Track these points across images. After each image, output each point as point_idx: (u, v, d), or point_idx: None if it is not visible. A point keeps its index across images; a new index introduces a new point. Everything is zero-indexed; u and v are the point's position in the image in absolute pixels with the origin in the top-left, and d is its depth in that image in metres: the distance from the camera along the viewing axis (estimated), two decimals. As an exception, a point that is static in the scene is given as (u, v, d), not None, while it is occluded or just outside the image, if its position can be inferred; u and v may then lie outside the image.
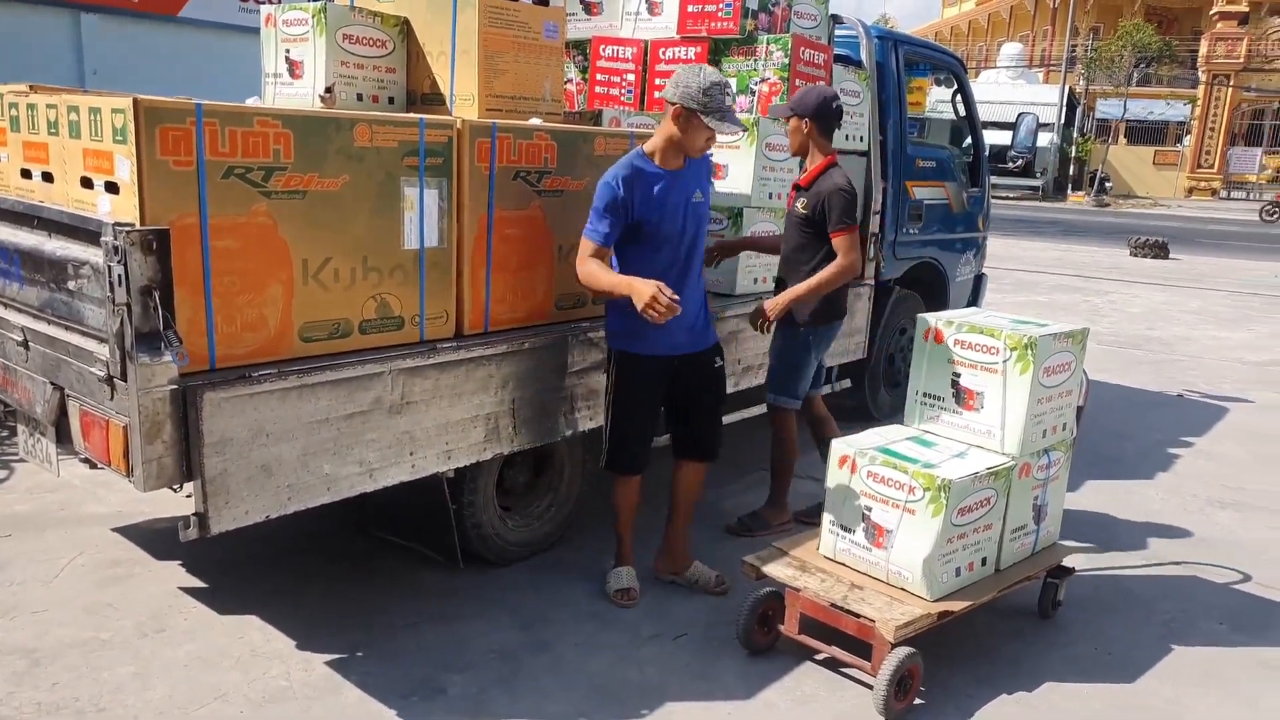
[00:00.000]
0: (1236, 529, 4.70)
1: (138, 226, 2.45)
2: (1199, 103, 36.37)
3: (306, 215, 2.79)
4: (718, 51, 4.51)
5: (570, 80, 4.85)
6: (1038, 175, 31.93)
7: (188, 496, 2.70)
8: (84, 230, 2.64)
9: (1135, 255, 16.95)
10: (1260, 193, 36.29)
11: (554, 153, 3.41)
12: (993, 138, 7.47)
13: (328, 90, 3.68)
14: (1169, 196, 35.94)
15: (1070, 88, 34.90)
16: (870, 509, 3.24)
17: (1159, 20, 39.69)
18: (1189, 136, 37.46)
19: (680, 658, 3.30)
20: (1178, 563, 4.26)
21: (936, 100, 7.78)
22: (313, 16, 3.68)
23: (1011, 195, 31.20)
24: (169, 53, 8.27)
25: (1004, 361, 3.33)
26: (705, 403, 3.64)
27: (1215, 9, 36.77)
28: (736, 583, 3.63)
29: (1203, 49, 36.06)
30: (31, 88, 3.12)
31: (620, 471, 3.60)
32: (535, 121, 3.56)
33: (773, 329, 4.07)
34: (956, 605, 3.15)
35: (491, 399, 3.31)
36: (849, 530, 3.31)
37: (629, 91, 4.66)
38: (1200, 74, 36.35)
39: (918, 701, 3.07)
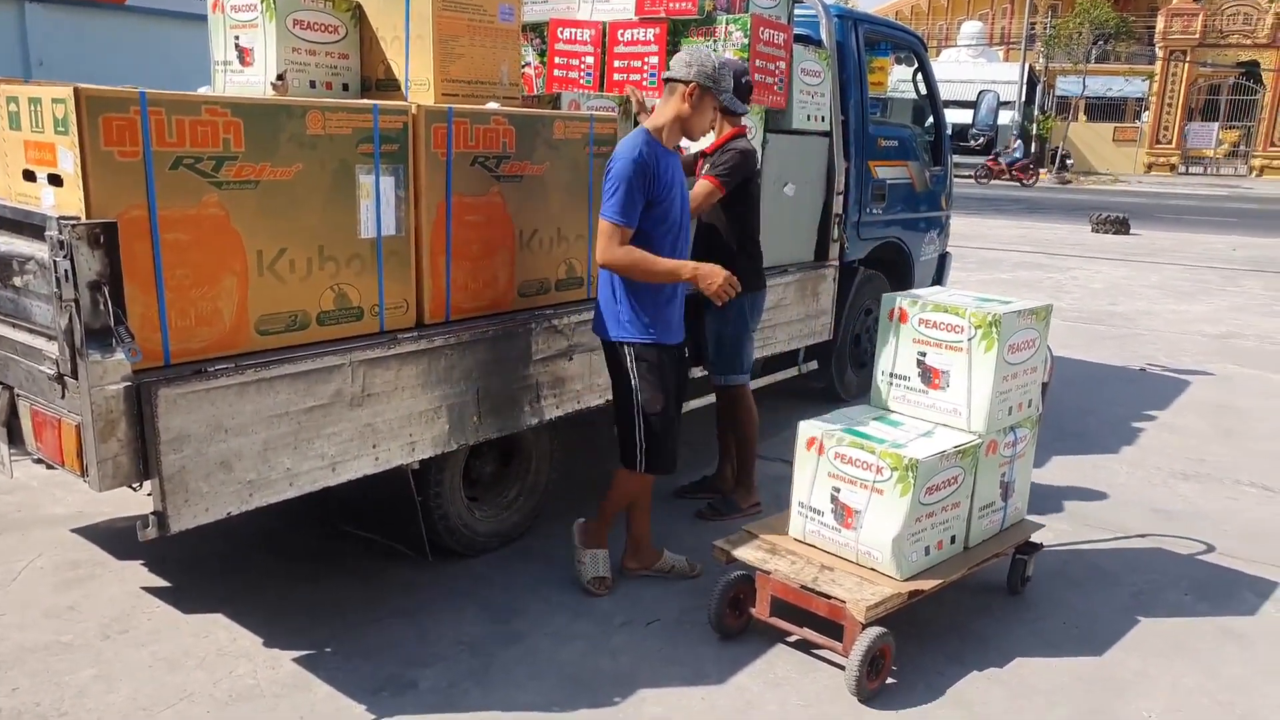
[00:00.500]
0: (1199, 500, 4.76)
1: (83, 220, 2.39)
2: (1156, 79, 36.74)
3: (260, 205, 2.73)
4: (676, 32, 4.46)
5: (528, 64, 4.79)
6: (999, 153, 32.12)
7: (148, 495, 2.64)
8: (28, 225, 2.56)
9: (1097, 231, 17.12)
10: (1218, 167, 36.84)
11: (512, 137, 3.36)
12: (954, 116, 7.49)
13: (279, 78, 3.60)
14: (1129, 172, 36.31)
15: (1030, 65, 35.12)
16: (839, 490, 3.24)
17: (1116, -3, 40.08)
18: (1147, 113, 37.82)
19: (652, 644, 3.28)
20: (1143, 535, 4.31)
21: (898, 79, 7.79)
22: (261, 2, 3.59)
23: (973, 173, 31.38)
24: (117, 42, 8.10)
25: (969, 340, 3.34)
26: (679, 394, 3.62)
27: (1171, -15, 37.17)
28: (707, 567, 3.62)
29: (1159, 25, 36.38)
30: (-30, 79, 3.03)
31: (666, 472, 3.49)
32: (493, 106, 3.51)
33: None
34: (926, 584, 3.16)
35: (455, 389, 3.27)
36: (818, 512, 3.31)
37: (588, 74, 4.61)
38: (1157, 50, 36.69)
39: (890, 681, 3.08)
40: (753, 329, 4.26)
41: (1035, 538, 3.72)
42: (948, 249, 7.02)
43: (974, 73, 31.09)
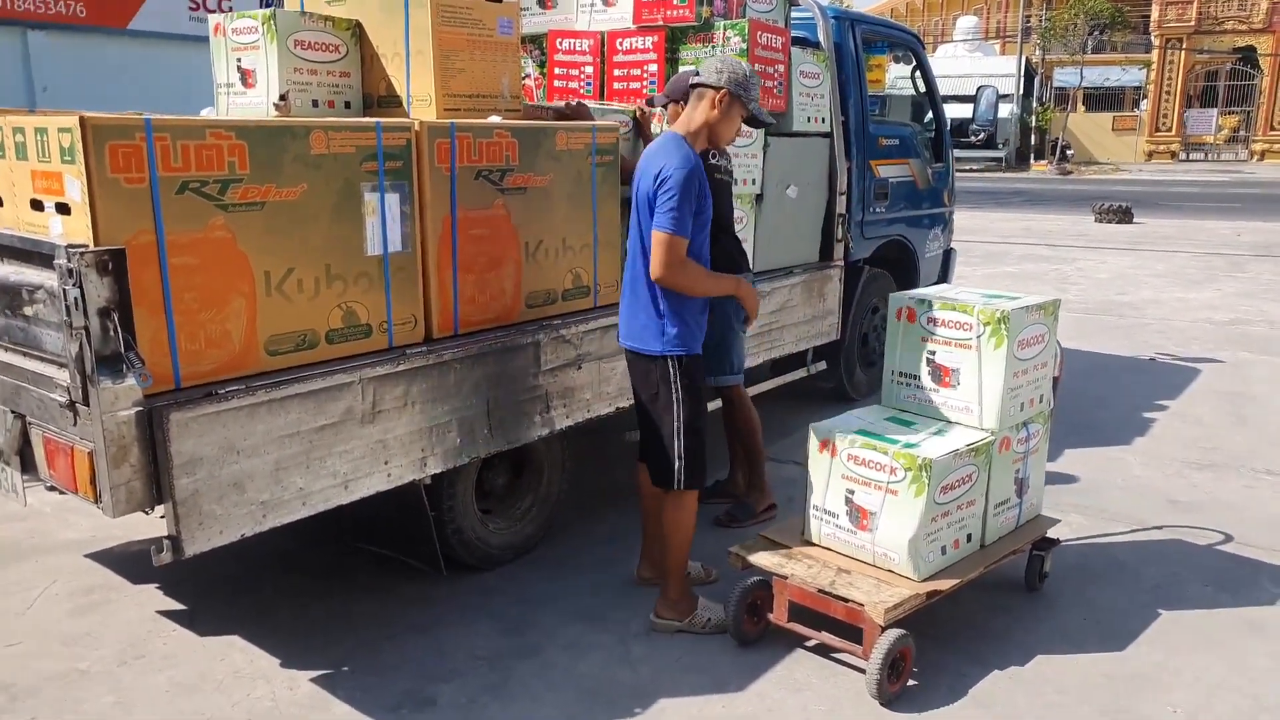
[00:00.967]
0: (1215, 489, 4.74)
1: (92, 247, 2.39)
2: (1153, 67, 36.70)
3: (266, 226, 2.73)
4: (675, 40, 4.46)
5: (528, 75, 4.79)
6: (1000, 147, 32.13)
7: (161, 518, 2.64)
8: (37, 254, 2.57)
9: (1100, 221, 17.08)
10: (1218, 153, 36.77)
11: (515, 150, 3.36)
12: (954, 112, 7.48)
13: (282, 98, 3.61)
14: (1130, 161, 36.27)
15: (1027, 58, 35.13)
16: (853, 492, 3.23)
17: (1109, -13, 40.07)
18: (1146, 101, 37.79)
19: (671, 653, 3.27)
20: (1160, 527, 4.28)
21: (896, 77, 7.78)
22: (262, 24, 3.60)
23: (975, 168, 31.39)
24: (120, 66, 8.12)
25: (978, 337, 3.33)
26: None
27: (1164, -27, 37.15)
28: (724, 573, 3.61)
29: (1154, 14, 36.34)
30: (-26, 110, 3.04)
31: (701, 487, 3.39)
32: (495, 119, 3.51)
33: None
34: (944, 584, 3.15)
35: (465, 402, 3.27)
36: (833, 514, 3.30)
37: (588, 84, 4.61)
38: (1153, 39, 36.66)
39: (911, 683, 3.07)
40: (739, 328, 4.18)
41: (1052, 533, 3.71)
42: (952, 244, 7.01)
43: (971, 67, 31.11)
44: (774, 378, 5.27)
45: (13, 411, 2.80)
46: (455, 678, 3.11)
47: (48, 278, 2.51)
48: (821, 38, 5.28)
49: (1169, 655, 3.28)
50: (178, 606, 3.56)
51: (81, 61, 7.95)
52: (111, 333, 2.40)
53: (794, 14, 5.25)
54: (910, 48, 6.59)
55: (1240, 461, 5.12)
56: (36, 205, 2.61)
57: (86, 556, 3.94)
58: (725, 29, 4.36)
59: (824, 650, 3.24)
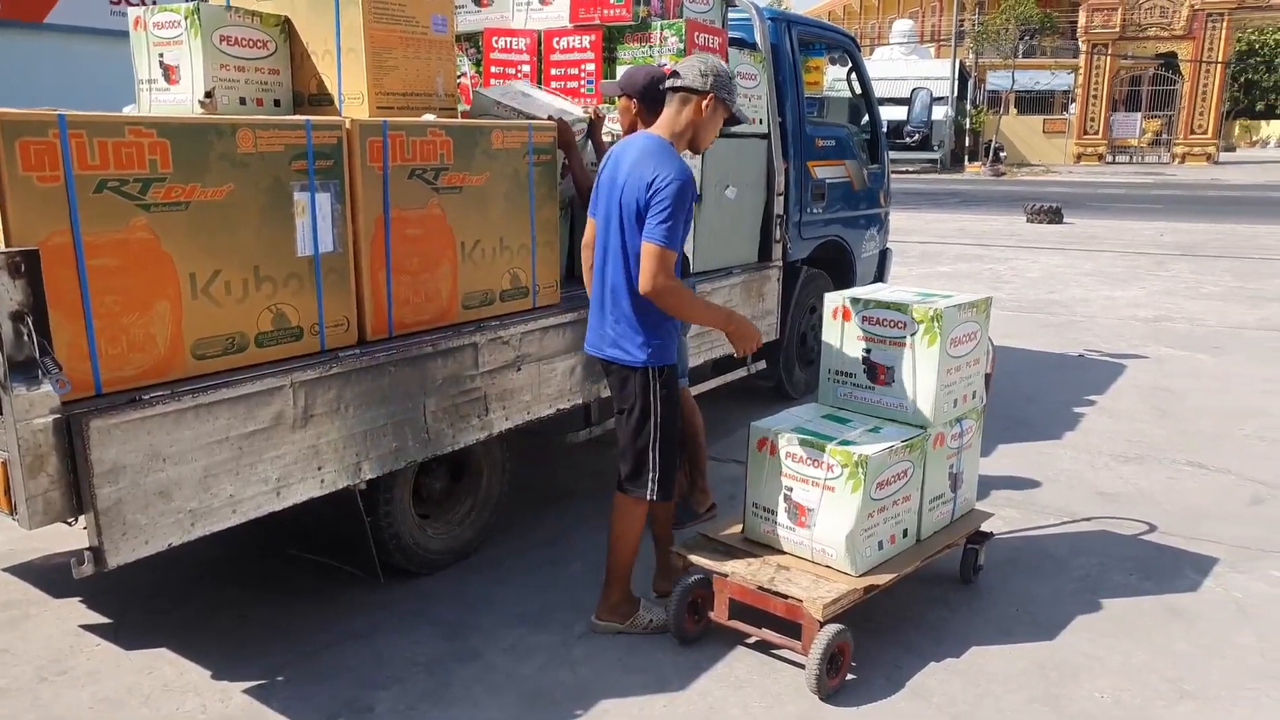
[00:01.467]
0: (1140, 481, 4.87)
1: (3, 249, 2.30)
2: (1081, 72, 37.70)
3: (191, 227, 2.66)
4: (612, 39, 4.45)
5: (464, 74, 4.74)
6: (935, 149, 32.72)
7: (84, 529, 2.55)
8: (-55, 256, 2.46)
9: (1032, 222, 17.48)
10: (1143, 156, 37.88)
11: (450, 148, 3.31)
12: (889, 113, 7.58)
13: (207, 95, 3.52)
14: (1060, 163, 37.20)
15: (961, 61, 35.83)
16: (791, 489, 3.25)
17: (1039, -7, 41.06)
18: (1074, 104, 38.82)
19: (613, 653, 3.26)
20: (1088, 519, 4.39)
21: (833, 79, 7.86)
22: (185, 18, 3.51)
23: (911, 169, 31.91)
24: (37, 61, 7.85)
25: (911, 335, 3.37)
26: None
27: (1090, -19, 38.15)
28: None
29: (1081, 20, 37.36)
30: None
31: (671, 499, 3.37)
32: (429, 117, 3.46)
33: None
34: (881, 579, 3.18)
35: (400, 406, 3.22)
36: (771, 512, 3.31)
37: (515, 82, 4.56)
38: (1080, 44, 37.66)
39: (850, 677, 3.10)
40: (683, 331, 4.19)
41: (985, 527, 3.77)
42: (888, 244, 7.10)
43: (907, 70, 31.63)
44: (715, 377, 5.29)
45: (-77, 420, 2.68)
46: (394, 684, 3.06)
47: (-42, 280, 2.41)
48: (758, 39, 5.31)
49: (1096, 643, 3.35)
50: (103, 620, 3.44)
51: (-6, 56, 7.69)
52: (25, 337, 2.31)
53: (731, 15, 5.26)
54: (846, 50, 6.67)
55: (1163, 454, 5.27)
56: (-55, 205, 2.50)
57: (4, 570, 3.80)
58: (662, 29, 4.36)
59: (764, 647, 3.26)
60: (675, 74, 3.21)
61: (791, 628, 3.09)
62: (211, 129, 2.71)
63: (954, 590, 3.70)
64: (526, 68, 4.60)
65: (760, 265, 5.28)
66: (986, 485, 4.39)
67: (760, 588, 3.14)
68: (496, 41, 4.66)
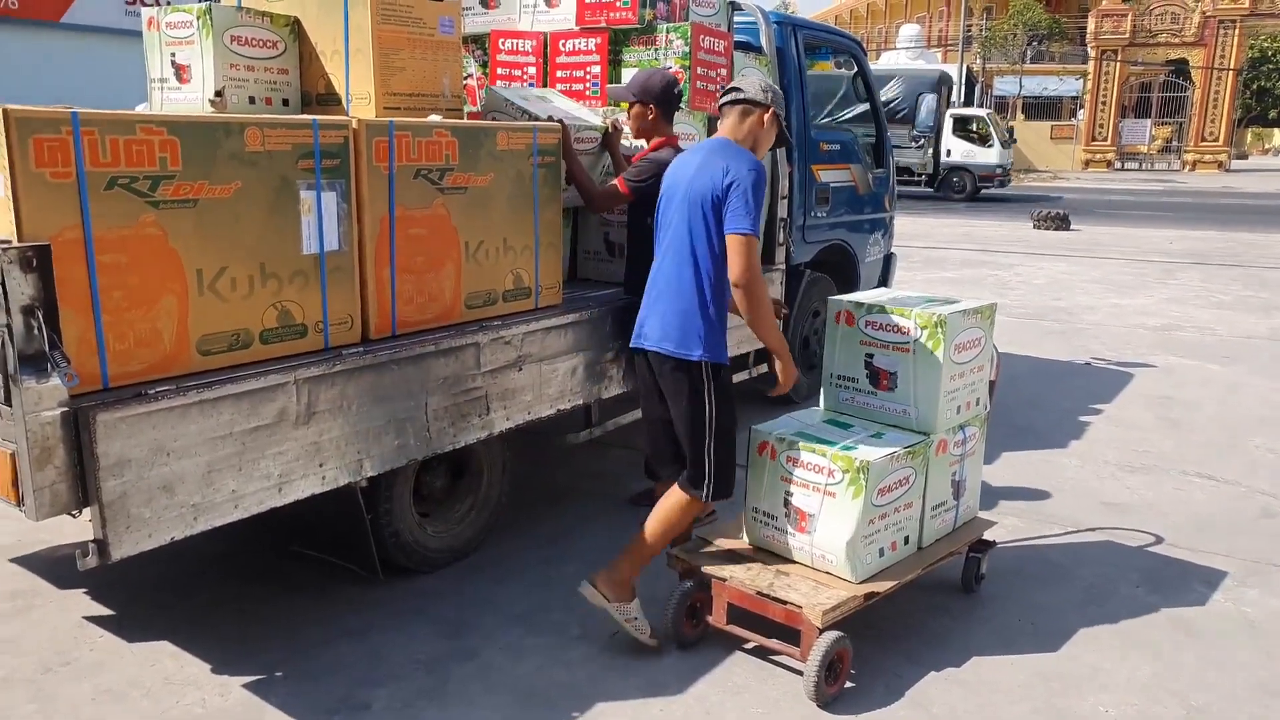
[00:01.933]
0: (1147, 492, 4.86)
1: (15, 243, 2.33)
2: (1090, 78, 37.65)
3: (198, 224, 2.68)
4: (618, 42, 4.46)
5: (470, 75, 4.76)
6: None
7: (89, 521, 2.57)
8: (-45, 250, 2.48)
9: (1038, 228, 17.46)
10: (1152, 163, 37.81)
11: (455, 149, 3.33)
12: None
13: (217, 94, 3.54)
14: (1067, 169, 37.14)
15: (968, 66, 35.79)
16: (791, 494, 3.25)
17: (1047, -1, 41.04)
18: (1083, 111, 38.75)
19: (610, 656, 3.27)
20: (1094, 529, 4.38)
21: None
22: (197, 18, 3.53)
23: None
24: (54, 60, 7.90)
25: (915, 341, 3.38)
26: None
27: (1100, -13, 38.12)
28: (662, 577, 3.61)
29: (1090, 26, 37.31)
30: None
31: (729, 496, 3.33)
32: (434, 118, 3.48)
33: None
34: (882, 586, 3.18)
35: (403, 404, 3.23)
36: (772, 517, 3.32)
37: (530, 85, 4.58)
38: (1089, 50, 37.61)
39: (849, 684, 3.10)
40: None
41: (988, 535, 3.77)
42: (893, 249, 7.10)
43: (914, 74, 31.48)
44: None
45: (-70, 412, 2.70)
46: (391, 682, 3.08)
47: (-33, 274, 2.43)
48: (764, 42, 5.32)
49: (1101, 655, 3.35)
50: (106, 612, 3.47)
51: (12, 55, 7.73)
52: (35, 331, 2.33)
53: (737, 18, 5.28)
54: (852, 54, 6.67)
55: (1171, 464, 5.26)
56: (-44, 200, 2.52)
57: (11, 561, 3.83)
58: (668, 32, 4.37)
59: (762, 653, 3.26)
60: (736, 89, 3.31)
61: (790, 634, 3.09)
62: (220, 127, 2.73)
63: (956, 599, 3.70)
64: (532, 70, 4.62)
65: (763, 268, 5.27)
66: (990, 493, 4.39)
67: (759, 593, 3.14)
68: (503, 43, 4.68)
